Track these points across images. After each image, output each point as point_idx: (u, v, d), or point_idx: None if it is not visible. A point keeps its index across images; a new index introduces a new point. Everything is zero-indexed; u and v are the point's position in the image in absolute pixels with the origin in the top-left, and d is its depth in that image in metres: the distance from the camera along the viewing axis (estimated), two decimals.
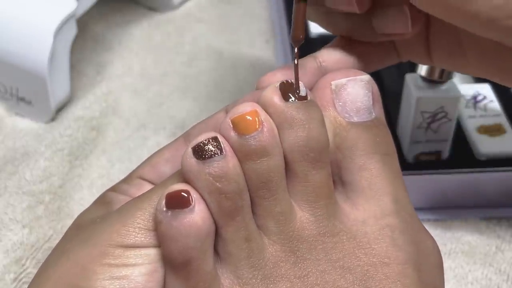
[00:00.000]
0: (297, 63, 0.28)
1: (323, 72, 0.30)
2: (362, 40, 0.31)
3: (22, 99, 0.49)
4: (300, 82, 0.27)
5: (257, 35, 0.58)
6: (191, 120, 0.50)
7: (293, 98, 0.27)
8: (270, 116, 0.26)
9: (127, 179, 0.32)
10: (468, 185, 0.42)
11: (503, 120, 0.44)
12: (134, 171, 0.33)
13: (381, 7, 0.29)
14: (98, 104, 0.51)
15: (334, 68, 0.30)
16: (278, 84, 0.27)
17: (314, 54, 0.30)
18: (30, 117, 0.50)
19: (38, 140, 0.48)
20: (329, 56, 0.30)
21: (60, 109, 0.50)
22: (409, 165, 0.43)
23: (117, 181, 0.45)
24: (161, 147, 0.49)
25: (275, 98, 0.27)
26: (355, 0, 0.28)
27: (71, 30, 0.48)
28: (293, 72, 0.28)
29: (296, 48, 0.28)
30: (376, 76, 0.40)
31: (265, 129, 0.26)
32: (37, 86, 0.48)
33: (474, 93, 0.46)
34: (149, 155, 0.47)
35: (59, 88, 0.49)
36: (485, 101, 0.46)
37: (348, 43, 0.31)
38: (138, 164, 0.46)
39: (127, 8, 0.61)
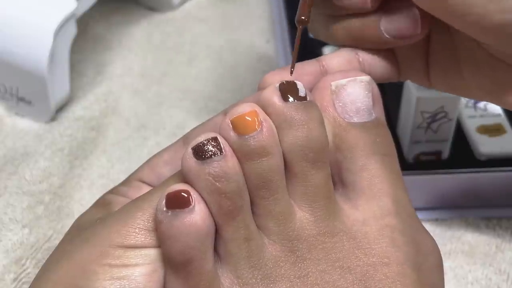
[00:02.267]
0: (298, 44, 0.28)
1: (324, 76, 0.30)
2: (367, 47, 0.30)
3: (22, 99, 0.49)
4: (299, 82, 0.27)
5: (257, 35, 0.58)
6: (191, 120, 0.50)
7: (292, 99, 0.27)
8: (270, 116, 0.26)
9: (126, 182, 0.32)
10: (468, 185, 0.42)
11: (503, 120, 0.44)
12: (133, 173, 0.33)
13: (390, 8, 0.29)
14: (98, 104, 0.51)
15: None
16: (278, 84, 0.27)
17: (317, 58, 0.30)
18: (30, 117, 0.50)
19: (38, 140, 0.48)
20: (331, 61, 0.30)
21: (60, 109, 0.50)
22: (409, 165, 0.43)
23: (117, 181, 0.45)
24: (161, 147, 0.49)
25: (275, 98, 0.27)
26: None
27: (71, 30, 0.48)
28: (296, 73, 0.29)
29: (298, 29, 0.28)
30: None
31: (264, 129, 0.26)
32: (37, 86, 0.48)
33: None
34: (149, 155, 0.47)
35: (59, 88, 0.49)
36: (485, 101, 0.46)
37: (351, 53, 0.31)
38: (138, 164, 0.46)
39: (127, 8, 0.61)
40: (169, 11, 0.61)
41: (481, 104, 0.46)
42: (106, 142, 0.48)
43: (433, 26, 0.30)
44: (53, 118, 0.50)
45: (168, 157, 0.32)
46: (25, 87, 0.48)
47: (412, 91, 0.41)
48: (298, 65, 0.30)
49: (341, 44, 0.31)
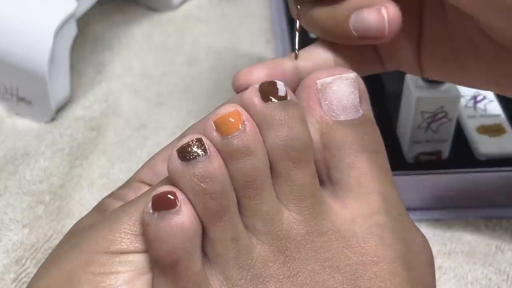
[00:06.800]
0: (299, 32, 0.28)
1: (299, 74, 0.30)
2: (340, 42, 0.30)
3: (22, 99, 0.49)
4: (280, 82, 0.27)
5: (257, 35, 0.58)
6: (191, 120, 0.50)
7: (272, 99, 0.27)
8: (251, 117, 0.27)
9: (126, 184, 0.32)
10: (468, 185, 0.42)
11: (503, 120, 0.44)
12: (133, 175, 0.33)
13: (361, 6, 0.29)
14: (98, 104, 0.51)
15: (309, 72, 0.29)
16: (258, 85, 0.27)
17: (291, 53, 0.30)
18: (30, 117, 0.50)
19: (38, 140, 0.48)
20: (306, 58, 0.30)
21: (60, 109, 0.50)
22: (409, 165, 0.43)
23: (117, 181, 0.45)
24: (161, 147, 0.49)
25: (255, 99, 0.27)
26: None
27: (71, 30, 0.49)
28: (271, 70, 0.29)
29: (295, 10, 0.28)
30: (376, 76, 0.41)
31: (247, 129, 0.26)
32: (37, 86, 0.48)
33: (474, 93, 0.46)
34: (149, 155, 0.47)
35: (59, 88, 0.49)
36: (485, 101, 0.46)
37: (327, 46, 0.30)
38: (138, 164, 0.46)
39: (127, 8, 0.61)
40: (169, 11, 0.61)
41: (481, 104, 0.46)
42: (106, 142, 0.48)
43: (427, 13, 0.30)
44: (53, 118, 0.50)
45: (166, 155, 0.32)
46: (25, 87, 0.48)
47: (412, 91, 0.41)
48: (272, 63, 0.30)
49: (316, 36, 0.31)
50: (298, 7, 0.29)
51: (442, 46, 0.30)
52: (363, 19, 0.28)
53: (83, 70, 0.54)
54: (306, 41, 0.32)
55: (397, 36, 0.29)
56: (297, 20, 0.30)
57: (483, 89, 0.31)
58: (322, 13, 0.29)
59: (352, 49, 0.30)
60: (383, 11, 0.28)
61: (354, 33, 0.29)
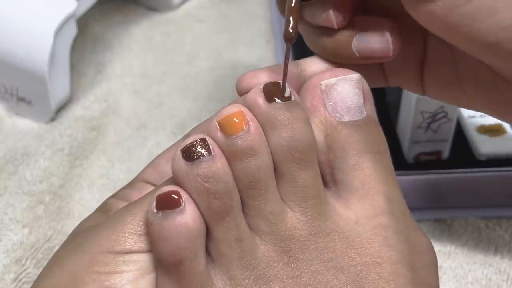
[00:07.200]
0: (287, 61, 0.28)
1: (302, 80, 0.30)
2: (342, 62, 0.30)
3: (22, 99, 0.49)
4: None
5: (257, 35, 0.58)
6: (191, 120, 0.50)
7: (276, 99, 0.27)
8: (256, 117, 0.27)
9: (130, 184, 0.32)
10: (468, 185, 0.42)
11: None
12: (137, 175, 0.33)
13: (362, 29, 0.29)
14: (98, 104, 0.51)
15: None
16: (262, 85, 0.27)
17: (297, 61, 0.30)
18: (30, 117, 0.50)
19: (38, 140, 0.48)
20: (309, 66, 0.30)
21: (60, 109, 0.50)
22: (409, 165, 0.43)
23: (117, 181, 0.45)
24: (161, 147, 0.49)
25: (259, 99, 0.27)
26: (333, 16, 0.28)
27: (71, 30, 0.49)
28: (275, 74, 0.28)
29: (286, 46, 0.28)
30: None
31: (251, 129, 0.26)
32: (37, 86, 0.48)
33: None
34: (149, 155, 0.47)
35: (59, 88, 0.49)
36: None
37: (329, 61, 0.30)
38: (138, 164, 0.46)
39: (127, 8, 0.61)
40: (169, 11, 0.61)
41: None
42: (106, 142, 0.48)
43: (431, 37, 0.30)
44: (53, 118, 0.50)
45: (169, 155, 0.32)
46: (25, 87, 0.48)
47: None
48: (276, 68, 0.29)
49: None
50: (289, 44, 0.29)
51: (445, 69, 0.30)
52: (366, 41, 0.29)
53: (83, 70, 0.54)
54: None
55: (400, 54, 0.29)
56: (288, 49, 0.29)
57: (482, 112, 0.31)
58: (324, 38, 0.29)
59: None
60: (386, 33, 0.29)
61: (357, 54, 0.29)
